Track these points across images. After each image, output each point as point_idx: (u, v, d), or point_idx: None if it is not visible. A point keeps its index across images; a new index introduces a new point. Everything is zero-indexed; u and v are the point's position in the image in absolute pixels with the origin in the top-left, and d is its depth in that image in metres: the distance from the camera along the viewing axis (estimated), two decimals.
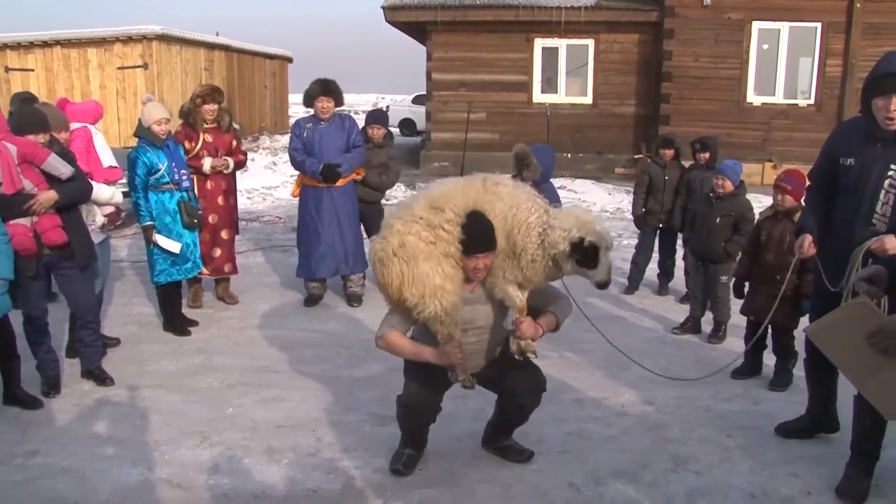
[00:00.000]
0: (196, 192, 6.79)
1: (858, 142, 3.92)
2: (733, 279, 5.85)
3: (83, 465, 4.22)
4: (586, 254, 3.63)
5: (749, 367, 5.60)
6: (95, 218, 5.82)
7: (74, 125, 6.03)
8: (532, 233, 3.70)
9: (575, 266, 3.70)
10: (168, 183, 6.26)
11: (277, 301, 7.53)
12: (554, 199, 6.67)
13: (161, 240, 6.24)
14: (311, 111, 7.20)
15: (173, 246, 6.28)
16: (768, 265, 5.32)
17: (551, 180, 6.58)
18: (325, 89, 7.02)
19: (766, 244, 5.42)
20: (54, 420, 4.82)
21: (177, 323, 6.55)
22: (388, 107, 27.12)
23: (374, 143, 7.63)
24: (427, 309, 3.73)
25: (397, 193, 12.72)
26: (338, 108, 7.18)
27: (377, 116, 7.92)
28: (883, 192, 3.75)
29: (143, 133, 6.22)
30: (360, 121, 7.91)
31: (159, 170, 6.19)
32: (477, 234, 3.70)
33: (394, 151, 7.91)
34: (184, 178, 6.39)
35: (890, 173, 3.72)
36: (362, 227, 7.55)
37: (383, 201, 8.12)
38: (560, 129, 16.78)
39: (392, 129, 8.44)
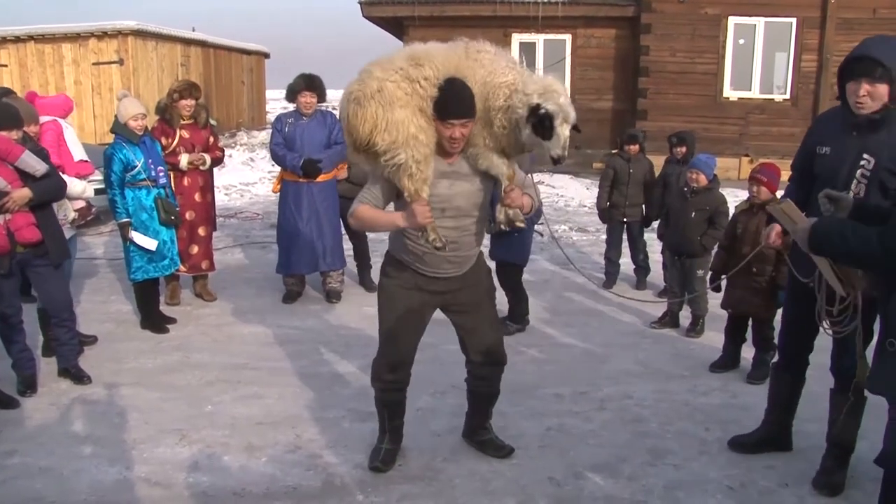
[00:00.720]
0: (173, 188, 6.75)
1: (835, 130, 3.86)
2: (710, 273, 5.89)
3: (61, 465, 4.18)
4: (542, 122, 3.44)
5: (727, 361, 5.65)
6: (67, 213, 5.77)
7: (44, 118, 5.97)
8: (500, 94, 3.55)
9: (531, 135, 3.49)
10: (145, 179, 6.21)
11: (256, 298, 7.50)
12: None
13: (137, 237, 6.19)
14: (293, 106, 7.17)
15: (149, 243, 6.24)
16: (744, 258, 5.36)
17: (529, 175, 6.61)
18: (309, 84, 7.00)
19: (743, 237, 5.47)
20: (31, 419, 4.77)
21: (154, 320, 6.50)
22: None
23: None
24: (398, 156, 3.53)
25: None
26: (320, 104, 7.16)
27: None
28: (854, 181, 3.69)
29: (120, 129, 6.17)
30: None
31: (135, 166, 6.14)
32: (454, 98, 3.52)
33: None
34: (161, 174, 6.34)
35: (862, 163, 3.66)
36: (343, 223, 7.52)
37: None
38: None
39: None
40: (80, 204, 5.96)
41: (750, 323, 5.62)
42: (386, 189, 3.74)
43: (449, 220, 3.74)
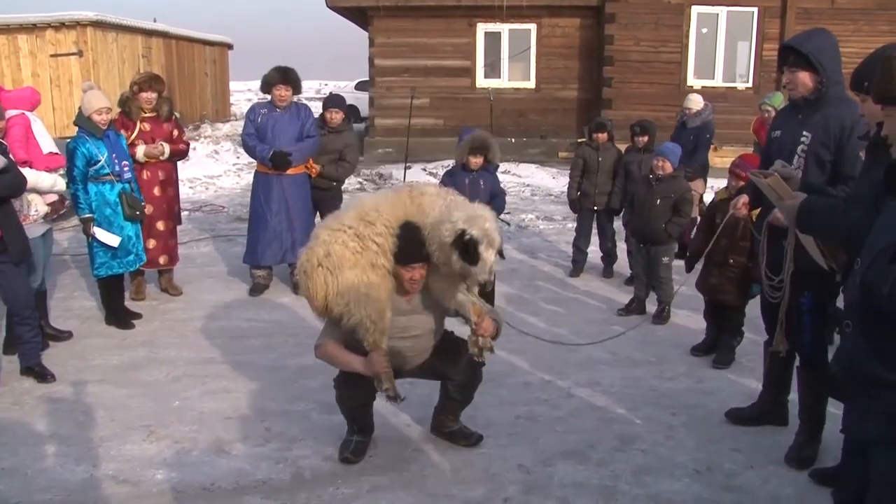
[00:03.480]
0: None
1: (786, 115, 4.24)
2: (686, 253, 5.95)
3: (24, 465, 4.12)
4: (466, 248, 3.60)
5: (709, 344, 5.71)
6: (38, 208, 5.66)
7: (11, 112, 5.86)
8: (438, 233, 3.70)
9: (458, 261, 3.65)
10: (109, 174, 6.12)
11: (222, 291, 7.44)
12: (497, 188, 6.73)
13: (99, 233, 6.11)
14: (268, 97, 7.13)
15: (112, 239, 6.15)
16: (721, 248, 5.39)
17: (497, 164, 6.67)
18: (284, 77, 6.95)
19: (721, 228, 5.48)
20: None
21: (119, 316, 6.43)
22: (330, 93, 26.83)
23: (331, 129, 7.49)
24: (353, 317, 3.76)
25: (351, 180, 12.61)
26: (295, 97, 7.11)
27: (335, 100, 7.71)
28: (796, 157, 3.97)
29: (83, 122, 6.07)
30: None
31: (99, 160, 6.05)
32: (410, 244, 3.75)
33: (351, 138, 7.70)
34: (125, 169, 6.25)
35: (802, 139, 3.96)
36: (318, 214, 7.49)
37: (343, 186, 8.00)
38: (503, 114, 16.84)
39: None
40: (53, 198, 5.86)
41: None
42: (346, 332, 3.93)
43: (408, 342, 4.01)
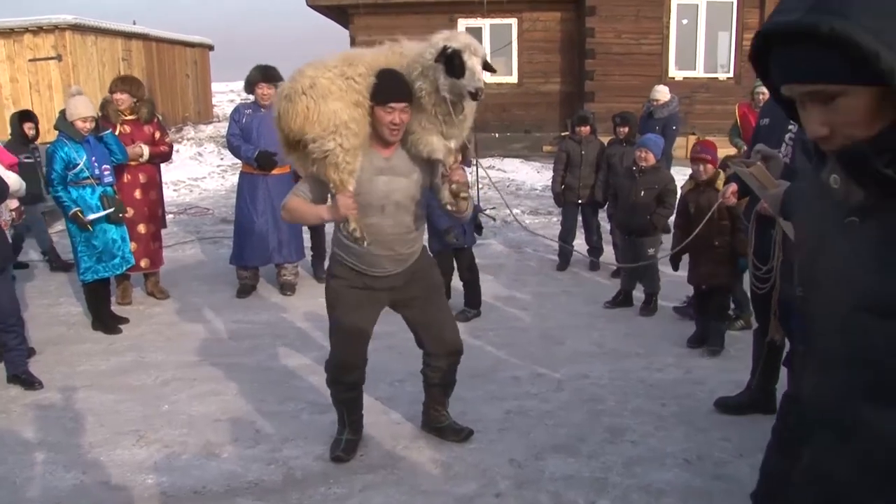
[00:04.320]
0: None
1: (773, 104, 4.14)
2: (671, 254, 5.93)
3: (13, 473, 4.09)
4: (451, 60, 3.50)
5: (701, 335, 5.72)
6: (2, 213, 5.63)
7: None
8: (417, 64, 3.63)
9: (446, 78, 3.53)
10: (88, 178, 6.09)
11: (209, 293, 7.42)
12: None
13: (92, 216, 6.10)
14: (252, 98, 7.12)
15: (103, 213, 6.12)
16: (703, 235, 5.40)
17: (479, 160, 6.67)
18: (266, 76, 6.92)
19: (696, 215, 5.52)
20: None
21: (106, 321, 6.39)
22: None
23: None
24: (326, 144, 3.59)
25: None
26: None
27: None
28: (784, 144, 3.99)
29: (64, 127, 6.05)
30: None
31: (77, 164, 6.02)
32: (391, 82, 3.61)
33: None
34: (106, 173, 6.22)
35: (790, 126, 3.97)
36: None
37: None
38: (486, 109, 16.80)
39: None
40: (15, 203, 5.81)
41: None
42: (316, 188, 3.79)
43: (388, 218, 3.79)
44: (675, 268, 5.83)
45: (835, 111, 1.31)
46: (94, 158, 6.12)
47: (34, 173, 7.92)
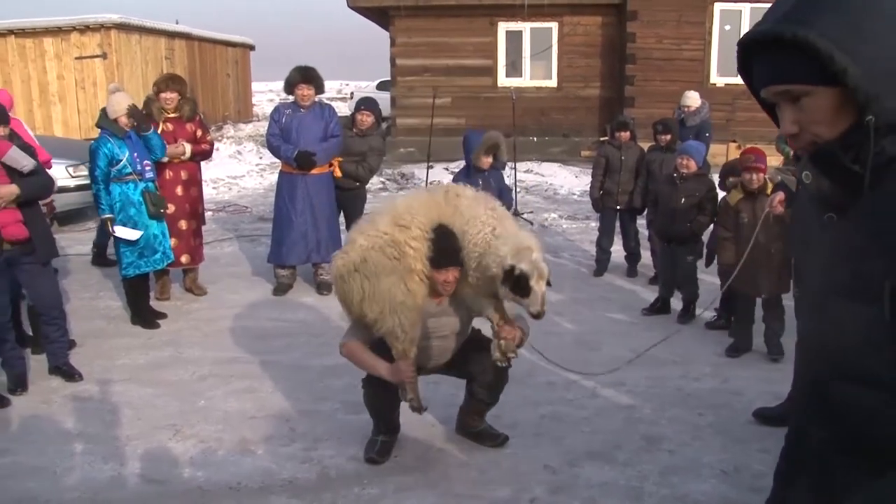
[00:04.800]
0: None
1: None
2: (722, 266, 5.82)
3: (53, 463, 4.16)
4: (517, 282, 3.58)
5: (742, 344, 5.63)
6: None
7: None
8: (474, 251, 3.72)
9: (508, 293, 3.65)
10: (131, 174, 6.18)
11: (246, 291, 7.47)
12: (501, 185, 6.81)
13: (119, 230, 6.17)
14: (292, 98, 7.17)
15: (132, 234, 6.20)
16: (761, 244, 5.28)
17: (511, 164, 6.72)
18: (305, 77, 6.97)
19: (751, 224, 5.39)
20: (22, 418, 4.74)
21: (145, 316, 6.47)
22: (352, 93, 26.89)
23: (358, 131, 7.50)
24: (385, 325, 3.77)
25: (373, 180, 12.65)
26: (318, 96, 7.14)
27: (368, 103, 7.67)
28: None
29: (107, 124, 6.14)
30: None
31: (120, 160, 6.11)
32: (445, 247, 3.74)
33: (376, 142, 7.65)
34: (147, 168, 6.30)
35: None
36: (342, 214, 7.51)
37: (367, 186, 8.01)
38: (525, 113, 16.76)
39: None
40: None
41: (759, 302, 5.62)
42: (374, 336, 3.97)
43: (436, 341, 4.04)
44: (724, 284, 5.73)
45: (802, 110, 1.45)
46: (135, 154, 6.21)
47: None
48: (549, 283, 3.72)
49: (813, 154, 1.49)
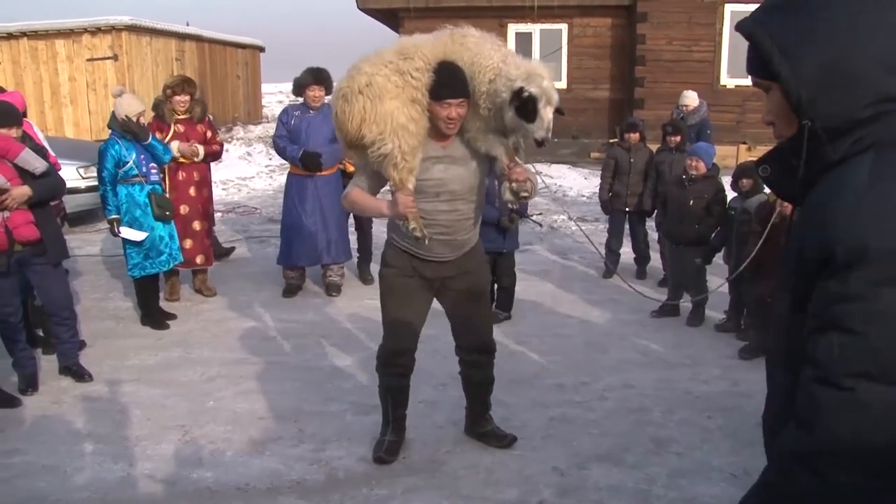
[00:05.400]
0: (167, 182, 6.78)
1: None
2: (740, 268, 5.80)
3: (63, 463, 4.18)
4: (525, 105, 3.48)
5: (757, 345, 5.61)
6: None
7: None
8: (485, 77, 3.60)
9: (514, 117, 3.53)
10: (137, 175, 6.21)
11: (256, 292, 7.49)
12: None
13: (125, 231, 6.20)
14: (300, 99, 7.18)
15: (137, 235, 6.22)
16: (771, 246, 5.24)
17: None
18: (317, 78, 6.98)
19: (781, 225, 5.33)
20: (33, 418, 4.77)
21: (154, 316, 6.50)
22: None
23: None
24: (385, 146, 3.60)
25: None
26: (327, 97, 7.16)
27: None
28: None
29: (116, 126, 6.17)
30: None
31: (128, 162, 6.14)
32: (448, 78, 3.60)
33: None
34: (153, 170, 6.33)
35: None
36: (351, 215, 7.53)
37: None
38: None
39: None
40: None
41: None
42: (374, 179, 3.83)
43: (444, 205, 3.79)
44: (708, 262, 5.76)
45: (768, 102, 1.52)
46: (142, 157, 6.25)
47: None
48: (560, 111, 3.63)
49: (771, 150, 1.52)
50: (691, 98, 8.88)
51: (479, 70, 3.60)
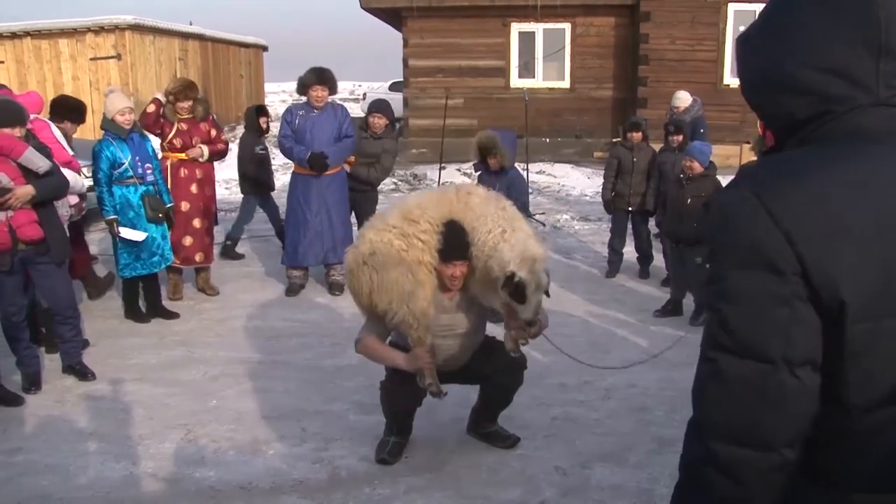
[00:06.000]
0: (169, 178, 6.81)
1: None
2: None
3: (66, 461, 4.18)
4: (516, 289, 3.63)
5: None
6: (66, 209, 5.76)
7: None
8: (483, 250, 3.75)
9: (506, 296, 3.69)
10: (132, 177, 6.22)
11: (259, 291, 7.50)
12: (521, 187, 6.77)
13: (124, 231, 6.22)
14: (304, 99, 7.19)
15: (137, 235, 6.24)
16: None
17: (524, 165, 6.68)
18: (321, 78, 6.99)
19: None
20: (36, 416, 4.77)
21: (136, 311, 6.59)
22: (364, 94, 26.88)
23: (372, 134, 7.52)
24: (397, 314, 3.80)
25: (385, 181, 12.65)
26: (331, 97, 7.16)
27: (380, 106, 7.66)
28: None
29: (108, 125, 6.19)
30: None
31: (123, 163, 6.15)
32: (454, 241, 3.77)
33: (390, 144, 7.69)
34: (148, 171, 6.34)
35: None
36: (354, 214, 7.53)
37: (379, 187, 8.03)
38: (538, 114, 16.74)
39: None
40: (75, 199, 5.96)
41: None
42: (385, 326, 3.99)
43: (451, 341, 4.02)
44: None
45: None
46: (137, 158, 6.25)
47: (268, 165, 8.85)
48: (547, 294, 3.80)
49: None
50: (682, 99, 8.88)
51: (479, 239, 3.77)
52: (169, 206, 6.54)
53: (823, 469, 1.36)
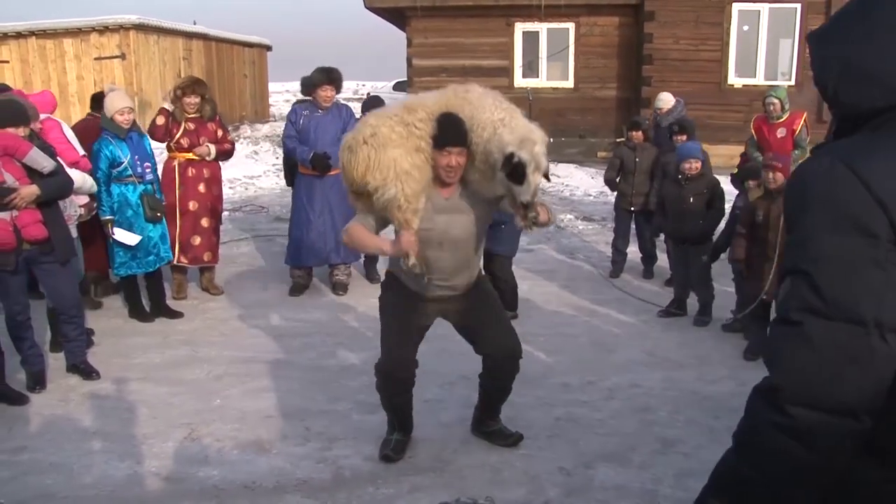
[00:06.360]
0: (177, 178, 6.82)
1: None
2: (733, 262, 5.82)
3: (71, 460, 4.19)
4: (514, 169, 3.56)
5: (759, 345, 5.59)
6: (75, 208, 5.78)
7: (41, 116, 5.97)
8: (483, 133, 3.69)
9: (504, 179, 3.62)
10: (131, 176, 6.22)
11: (262, 291, 7.51)
12: None
13: (118, 233, 6.23)
14: (308, 98, 7.19)
15: (130, 238, 6.25)
16: (771, 243, 5.29)
17: None
18: (329, 78, 6.98)
19: (766, 223, 5.40)
20: (40, 415, 4.78)
21: (140, 310, 6.59)
22: (368, 94, 26.84)
23: None
24: (388, 191, 3.70)
25: None
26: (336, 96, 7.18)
27: (375, 104, 7.66)
28: None
29: (107, 124, 6.18)
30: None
31: (122, 162, 6.15)
32: (448, 127, 3.71)
33: None
34: (147, 171, 6.35)
35: None
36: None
37: None
38: (542, 114, 16.68)
39: None
40: (84, 199, 5.98)
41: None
42: (379, 221, 3.92)
43: (446, 252, 3.92)
44: (739, 277, 5.75)
45: None
46: (136, 157, 6.26)
47: None
48: (546, 177, 3.71)
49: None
50: (665, 101, 8.88)
51: (478, 124, 3.72)
52: (164, 204, 6.56)
53: (882, 445, 1.35)
